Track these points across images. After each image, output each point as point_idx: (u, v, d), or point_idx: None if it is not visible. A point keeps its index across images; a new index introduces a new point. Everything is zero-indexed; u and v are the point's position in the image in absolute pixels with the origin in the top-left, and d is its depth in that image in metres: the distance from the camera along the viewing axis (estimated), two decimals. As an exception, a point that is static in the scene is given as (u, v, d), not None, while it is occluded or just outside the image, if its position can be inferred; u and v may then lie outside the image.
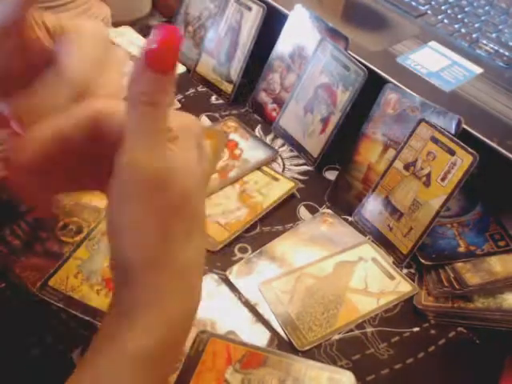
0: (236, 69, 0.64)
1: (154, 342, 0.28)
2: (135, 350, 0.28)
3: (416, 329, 0.45)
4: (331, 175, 0.58)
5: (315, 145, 0.58)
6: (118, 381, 0.27)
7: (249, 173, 0.57)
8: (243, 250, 0.50)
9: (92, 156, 0.33)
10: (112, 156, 0.29)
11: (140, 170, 0.28)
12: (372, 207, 0.52)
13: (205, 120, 0.63)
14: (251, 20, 0.63)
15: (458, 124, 0.48)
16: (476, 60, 0.59)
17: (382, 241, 0.51)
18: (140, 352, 0.28)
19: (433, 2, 0.69)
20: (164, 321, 0.29)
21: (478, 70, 0.58)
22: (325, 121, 0.57)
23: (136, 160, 0.28)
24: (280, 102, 0.62)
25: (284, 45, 0.62)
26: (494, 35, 0.64)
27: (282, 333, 0.44)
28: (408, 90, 0.52)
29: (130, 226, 0.28)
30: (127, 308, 0.28)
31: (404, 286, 0.48)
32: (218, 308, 0.45)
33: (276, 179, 0.56)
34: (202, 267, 0.32)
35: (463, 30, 0.64)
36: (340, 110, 0.56)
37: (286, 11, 0.62)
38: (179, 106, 0.64)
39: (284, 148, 0.61)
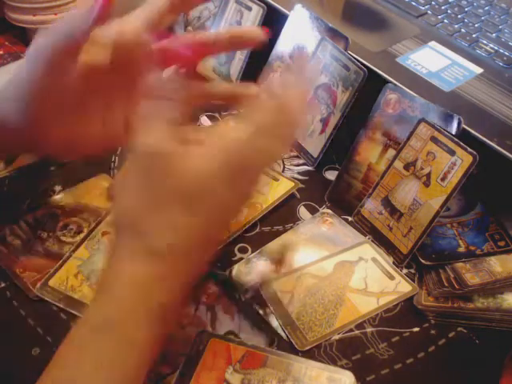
0: (236, 69, 0.64)
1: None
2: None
3: (416, 329, 0.45)
4: (331, 175, 0.58)
5: (315, 145, 0.58)
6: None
7: (249, 173, 0.57)
8: (243, 250, 0.50)
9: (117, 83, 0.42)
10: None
11: (146, 152, 0.34)
12: (372, 207, 0.52)
13: (205, 120, 0.63)
14: (251, 20, 0.63)
15: (458, 124, 0.48)
16: (476, 60, 0.59)
17: (381, 241, 0.51)
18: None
19: (433, 2, 0.69)
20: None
21: (478, 70, 0.58)
22: (325, 121, 0.57)
23: (145, 143, 0.34)
24: (280, 102, 0.62)
25: (284, 45, 0.62)
26: (493, 35, 0.64)
27: (281, 333, 0.44)
28: (408, 90, 0.52)
29: (126, 192, 0.35)
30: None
31: (404, 286, 0.48)
32: (218, 308, 0.45)
33: (276, 179, 0.56)
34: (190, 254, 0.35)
35: (463, 30, 0.64)
36: (340, 110, 0.56)
37: (286, 11, 0.62)
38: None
39: (284, 148, 0.61)
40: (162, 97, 0.37)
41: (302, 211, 0.54)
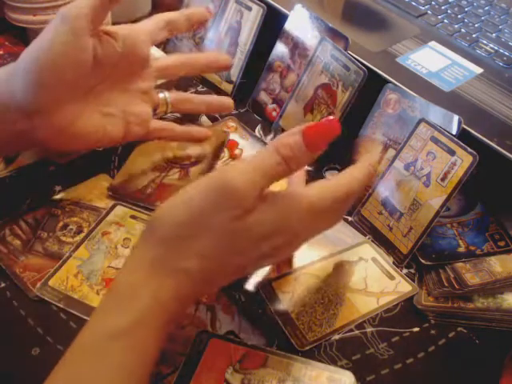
0: (236, 69, 0.64)
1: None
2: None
3: (416, 329, 0.45)
4: (331, 175, 0.58)
5: (315, 145, 0.58)
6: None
7: (249, 173, 0.57)
8: (243, 250, 0.50)
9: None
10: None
11: (227, 186, 0.34)
12: (372, 207, 0.52)
13: (205, 120, 0.63)
14: (251, 20, 0.63)
15: (458, 124, 0.48)
16: (476, 60, 0.59)
17: (381, 241, 0.51)
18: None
19: (433, 2, 0.69)
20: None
21: (478, 70, 0.58)
22: (325, 121, 0.57)
23: (225, 174, 0.35)
24: (280, 102, 0.62)
25: (284, 45, 0.62)
26: (493, 35, 0.64)
27: (281, 333, 0.44)
28: (408, 90, 0.52)
29: (185, 207, 0.35)
30: None
31: (404, 286, 0.48)
32: (218, 308, 0.45)
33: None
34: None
35: (463, 30, 0.64)
36: (340, 110, 0.56)
37: (286, 11, 0.62)
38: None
39: (284, 148, 0.61)
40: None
41: (302, 211, 0.54)
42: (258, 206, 0.35)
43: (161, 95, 0.54)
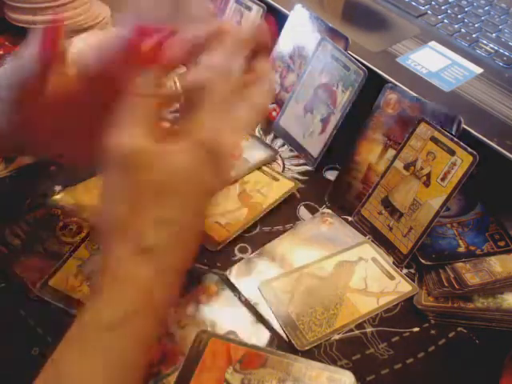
0: (236, 69, 0.64)
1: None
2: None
3: (416, 329, 0.45)
4: (331, 175, 0.58)
5: (315, 145, 0.58)
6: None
7: (249, 173, 0.57)
8: (243, 250, 0.50)
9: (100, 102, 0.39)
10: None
11: (121, 153, 0.34)
12: (372, 207, 0.52)
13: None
14: (251, 20, 0.63)
15: (458, 124, 0.48)
16: (476, 60, 0.59)
17: (381, 241, 0.51)
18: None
19: (433, 2, 0.69)
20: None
21: (478, 69, 0.58)
22: (325, 121, 0.57)
23: (119, 143, 0.34)
24: (280, 102, 0.62)
25: (284, 45, 0.62)
26: (493, 35, 0.64)
27: (281, 333, 0.44)
28: (408, 90, 0.52)
29: (108, 197, 0.35)
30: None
31: (404, 286, 0.48)
32: (218, 308, 0.45)
33: (276, 179, 0.56)
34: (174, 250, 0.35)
35: (463, 30, 0.64)
36: (340, 110, 0.56)
37: (286, 11, 0.62)
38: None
39: (284, 148, 0.61)
40: (137, 94, 0.36)
41: (302, 211, 0.54)
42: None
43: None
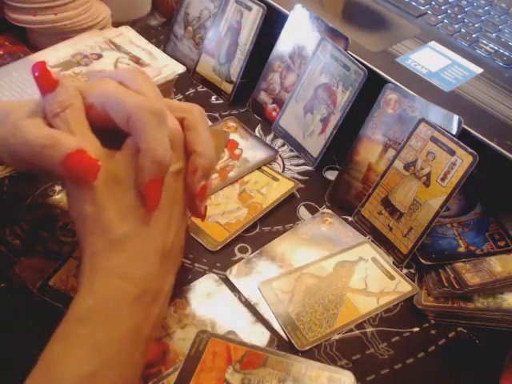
0: (236, 69, 0.64)
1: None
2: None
3: (416, 329, 0.45)
4: (331, 175, 0.58)
5: (315, 145, 0.58)
6: None
7: (249, 173, 0.57)
8: (243, 250, 0.50)
9: None
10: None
11: None
12: (372, 207, 0.52)
13: (205, 120, 0.63)
14: (251, 20, 0.63)
15: (458, 124, 0.48)
16: (476, 60, 0.59)
17: (381, 241, 0.51)
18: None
19: (433, 2, 0.69)
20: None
21: (478, 70, 0.58)
22: (325, 121, 0.57)
23: None
24: (280, 102, 0.62)
25: (284, 45, 0.62)
26: (493, 35, 0.64)
27: (282, 333, 0.44)
28: (408, 90, 0.52)
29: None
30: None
31: (404, 286, 0.48)
32: (218, 308, 0.45)
33: (276, 179, 0.56)
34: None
35: (463, 30, 0.64)
36: (340, 110, 0.56)
37: (286, 11, 0.62)
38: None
39: (284, 148, 0.61)
40: None
41: (302, 211, 0.54)
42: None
43: None
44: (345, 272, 0.48)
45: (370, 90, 0.54)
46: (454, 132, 0.48)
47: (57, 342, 0.33)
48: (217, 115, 0.64)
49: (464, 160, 0.46)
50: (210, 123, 0.63)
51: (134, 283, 0.35)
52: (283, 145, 0.61)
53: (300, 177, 0.58)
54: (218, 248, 0.49)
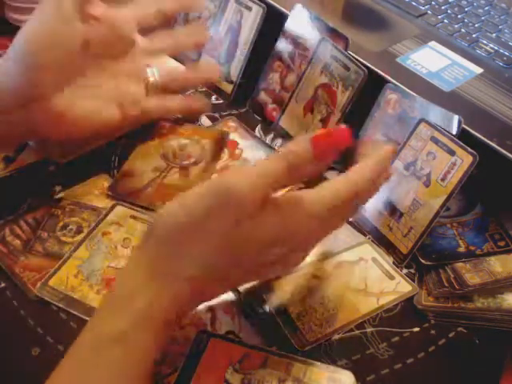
0: (236, 69, 0.64)
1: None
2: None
3: (416, 329, 0.45)
4: (331, 175, 0.58)
5: (315, 145, 0.58)
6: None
7: (249, 173, 0.57)
8: (243, 250, 0.50)
9: None
10: None
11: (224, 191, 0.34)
12: (372, 207, 0.52)
13: (205, 120, 0.63)
14: (251, 20, 0.63)
15: (458, 124, 0.48)
16: (476, 60, 0.59)
17: (381, 241, 0.51)
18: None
19: (433, 2, 0.69)
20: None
21: (478, 69, 0.58)
22: (325, 121, 0.57)
23: (227, 179, 0.35)
24: (280, 102, 0.62)
25: (284, 45, 0.62)
26: (493, 35, 0.64)
27: (281, 333, 0.43)
28: (408, 90, 0.52)
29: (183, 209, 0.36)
30: None
31: (404, 286, 0.48)
32: (218, 308, 0.45)
33: (276, 179, 0.56)
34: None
35: (463, 30, 0.64)
36: (340, 110, 0.56)
37: (286, 11, 0.62)
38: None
39: (284, 148, 0.61)
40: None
41: (302, 211, 0.54)
42: (260, 213, 0.35)
43: (149, 71, 0.55)
44: (345, 272, 0.48)
45: (370, 90, 0.54)
46: (454, 132, 0.48)
47: (80, 356, 0.34)
48: (217, 115, 0.64)
49: (464, 160, 0.46)
50: (209, 123, 0.63)
51: (167, 316, 0.35)
52: (283, 145, 0.61)
53: (300, 177, 0.58)
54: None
